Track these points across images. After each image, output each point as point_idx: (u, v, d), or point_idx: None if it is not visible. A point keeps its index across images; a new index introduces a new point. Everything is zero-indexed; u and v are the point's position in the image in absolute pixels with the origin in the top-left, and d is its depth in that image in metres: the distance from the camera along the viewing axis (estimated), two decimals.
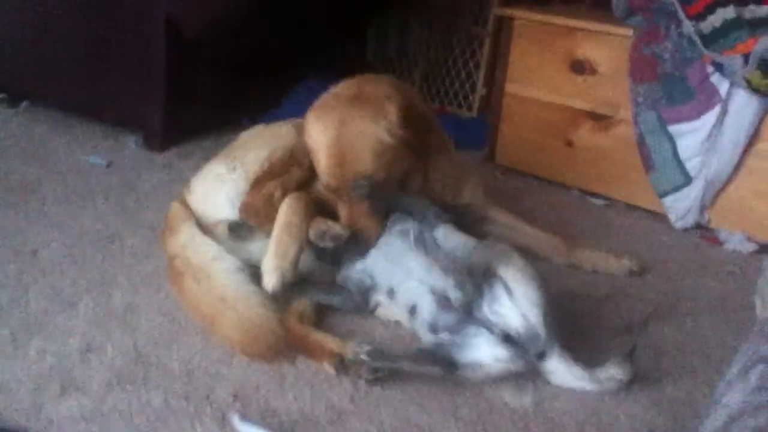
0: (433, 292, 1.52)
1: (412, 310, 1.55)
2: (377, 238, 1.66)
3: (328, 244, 1.62)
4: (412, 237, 1.62)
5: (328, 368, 1.48)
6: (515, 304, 1.43)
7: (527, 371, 1.47)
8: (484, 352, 1.44)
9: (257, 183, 1.74)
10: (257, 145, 1.83)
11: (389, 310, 1.65)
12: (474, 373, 1.46)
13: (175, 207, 1.80)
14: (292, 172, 1.76)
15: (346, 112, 1.66)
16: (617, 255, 2.04)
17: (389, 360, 1.44)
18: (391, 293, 1.61)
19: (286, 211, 1.65)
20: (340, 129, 1.64)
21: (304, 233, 1.63)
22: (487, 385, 1.48)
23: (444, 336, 1.47)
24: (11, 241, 1.90)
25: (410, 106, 1.71)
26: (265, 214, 1.69)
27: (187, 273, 1.63)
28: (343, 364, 1.47)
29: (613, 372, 1.47)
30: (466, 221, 1.96)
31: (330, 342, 1.53)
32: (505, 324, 1.43)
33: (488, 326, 1.44)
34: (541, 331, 1.43)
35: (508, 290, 1.44)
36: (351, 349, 1.48)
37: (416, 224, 1.65)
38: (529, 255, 1.96)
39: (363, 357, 1.42)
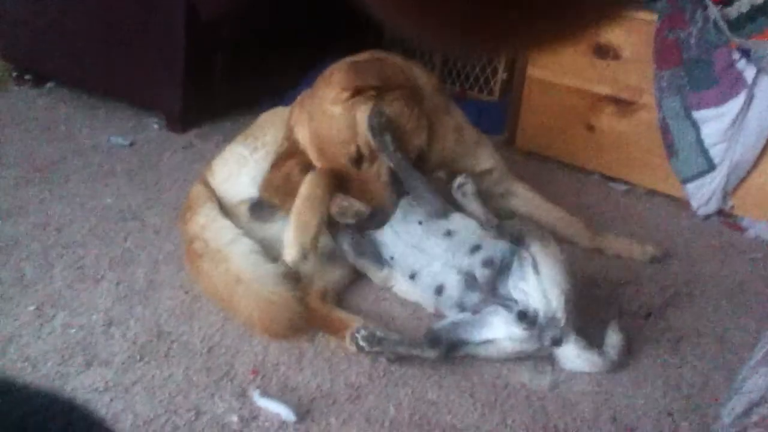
0: (460, 272, 1.53)
1: (439, 290, 1.56)
2: (393, 205, 1.65)
3: (350, 220, 1.63)
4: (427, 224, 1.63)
5: (350, 346, 1.49)
6: (540, 283, 1.43)
7: (540, 354, 1.48)
8: (498, 330, 1.45)
9: (277, 162, 1.75)
10: (276, 126, 1.84)
11: (408, 292, 1.66)
12: (485, 351, 1.47)
13: (197, 188, 1.82)
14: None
15: (308, 104, 1.71)
16: (641, 241, 2.03)
17: (385, 345, 1.44)
18: (413, 276, 1.61)
19: (308, 184, 1.64)
20: (309, 123, 1.68)
21: (326, 207, 1.63)
22: (505, 366, 1.49)
23: (465, 315, 1.49)
24: (36, 219, 1.93)
25: (365, 62, 1.73)
26: (285, 191, 1.70)
27: (205, 255, 1.64)
28: None
29: (616, 339, 1.48)
30: (487, 192, 1.95)
31: (353, 320, 1.54)
32: (525, 302, 1.43)
33: (507, 305, 1.45)
34: (561, 316, 1.43)
35: (536, 269, 1.45)
36: (356, 331, 1.49)
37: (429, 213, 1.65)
38: (553, 235, 1.97)
39: (361, 343, 1.42)
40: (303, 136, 1.70)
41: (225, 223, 1.70)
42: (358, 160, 1.64)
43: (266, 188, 1.72)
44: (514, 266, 1.47)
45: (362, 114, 1.63)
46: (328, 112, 1.65)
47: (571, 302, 1.45)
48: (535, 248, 1.47)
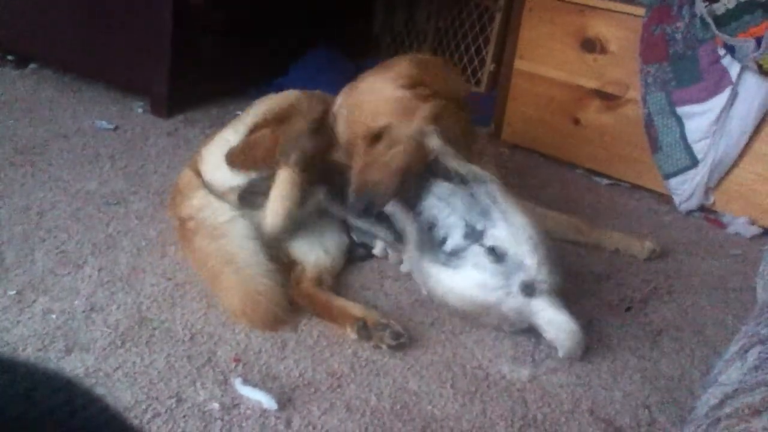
0: (466, 225, 1.53)
1: (442, 242, 1.56)
2: (389, 197, 1.63)
3: (294, 157, 1.60)
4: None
5: (350, 333, 1.50)
6: (508, 225, 1.48)
7: (505, 297, 1.47)
8: (469, 260, 1.48)
9: (250, 132, 1.74)
10: (258, 106, 1.84)
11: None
12: (451, 280, 1.51)
13: (188, 174, 1.80)
14: (294, 121, 1.74)
15: (366, 77, 1.74)
16: (639, 236, 2.05)
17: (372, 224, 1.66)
18: (431, 227, 1.60)
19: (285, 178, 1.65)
20: (357, 87, 1.72)
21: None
22: (485, 357, 1.50)
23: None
24: (18, 202, 1.91)
25: (428, 69, 1.73)
26: (244, 155, 1.68)
27: (200, 232, 1.63)
28: (366, 330, 1.48)
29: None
30: None
31: (352, 307, 1.55)
32: (496, 240, 1.47)
33: (483, 242, 1.48)
34: (530, 260, 1.45)
35: (505, 215, 1.49)
36: (373, 316, 1.52)
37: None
38: (551, 238, 1.98)
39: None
40: (341, 100, 1.73)
41: (222, 204, 1.69)
42: (375, 139, 1.65)
43: (230, 156, 1.70)
44: (489, 215, 1.51)
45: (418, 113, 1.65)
46: (385, 87, 1.67)
47: (544, 253, 1.46)
48: (501, 197, 1.53)
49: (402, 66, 1.70)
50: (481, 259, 1.46)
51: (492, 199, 1.53)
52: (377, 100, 1.66)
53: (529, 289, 1.45)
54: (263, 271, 1.57)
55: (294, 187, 1.62)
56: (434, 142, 1.65)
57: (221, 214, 1.66)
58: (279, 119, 1.75)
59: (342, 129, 1.70)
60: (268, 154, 1.64)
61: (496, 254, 1.46)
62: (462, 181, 1.59)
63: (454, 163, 1.63)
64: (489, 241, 1.47)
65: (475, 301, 1.50)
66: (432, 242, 1.54)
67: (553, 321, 1.47)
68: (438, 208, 1.60)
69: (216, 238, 1.61)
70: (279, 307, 1.54)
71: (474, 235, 1.50)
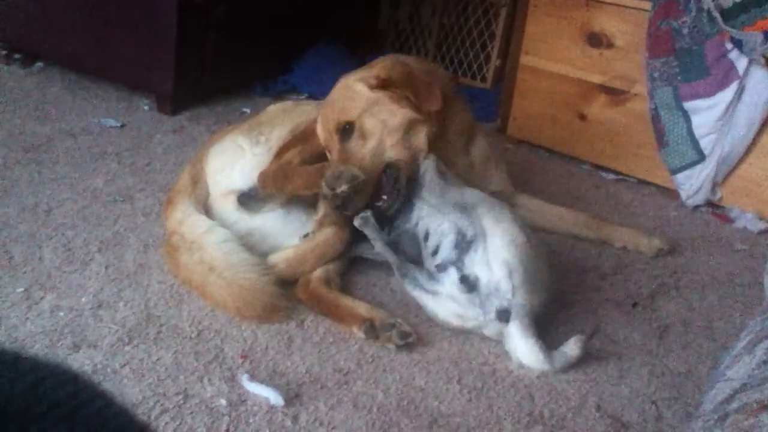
0: (457, 232, 1.54)
1: (435, 251, 1.57)
2: (368, 191, 1.64)
3: (345, 186, 1.58)
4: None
5: (358, 333, 1.50)
6: (485, 253, 1.47)
7: (488, 328, 1.49)
8: (444, 287, 1.50)
9: (279, 153, 1.75)
10: (283, 122, 1.84)
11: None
12: (434, 305, 1.53)
13: (184, 177, 1.81)
14: (312, 142, 1.76)
15: (343, 78, 1.79)
16: (647, 233, 2.04)
17: (375, 232, 1.61)
18: (426, 236, 1.62)
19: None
20: (333, 89, 1.78)
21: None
22: (492, 353, 1.50)
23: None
24: (25, 200, 1.91)
25: (404, 71, 1.74)
26: (276, 181, 1.69)
27: (181, 247, 1.64)
28: (373, 330, 1.49)
29: (567, 351, 1.47)
30: None
31: (359, 307, 1.55)
32: (470, 268, 1.47)
33: (461, 269, 1.49)
34: (506, 287, 1.45)
35: (485, 240, 1.49)
36: (380, 315, 1.52)
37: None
38: (559, 234, 2.01)
39: (357, 220, 1.60)
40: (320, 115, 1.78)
41: (200, 217, 1.70)
42: (345, 132, 1.68)
43: (262, 178, 1.71)
44: (479, 237, 1.51)
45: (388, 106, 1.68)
46: (354, 85, 1.72)
47: (522, 278, 1.46)
48: (486, 221, 1.52)
49: (375, 68, 1.75)
50: (455, 290, 1.49)
51: (473, 223, 1.53)
52: (347, 97, 1.71)
53: (504, 315, 1.46)
54: (245, 268, 1.58)
55: (329, 251, 1.67)
56: (425, 164, 1.68)
57: (199, 227, 1.66)
58: (304, 137, 1.77)
59: (319, 130, 1.74)
60: (310, 181, 1.65)
61: (469, 283, 1.47)
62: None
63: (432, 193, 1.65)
64: (467, 264, 1.48)
65: (458, 327, 1.53)
66: (408, 270, 1.57)
67: (518, 349, 1.46)
68: (431, 215, 1.62)
69: (194, 252, 1.61)
70: (268, 296, 1.55)
71: (462, 244, 1.51)
